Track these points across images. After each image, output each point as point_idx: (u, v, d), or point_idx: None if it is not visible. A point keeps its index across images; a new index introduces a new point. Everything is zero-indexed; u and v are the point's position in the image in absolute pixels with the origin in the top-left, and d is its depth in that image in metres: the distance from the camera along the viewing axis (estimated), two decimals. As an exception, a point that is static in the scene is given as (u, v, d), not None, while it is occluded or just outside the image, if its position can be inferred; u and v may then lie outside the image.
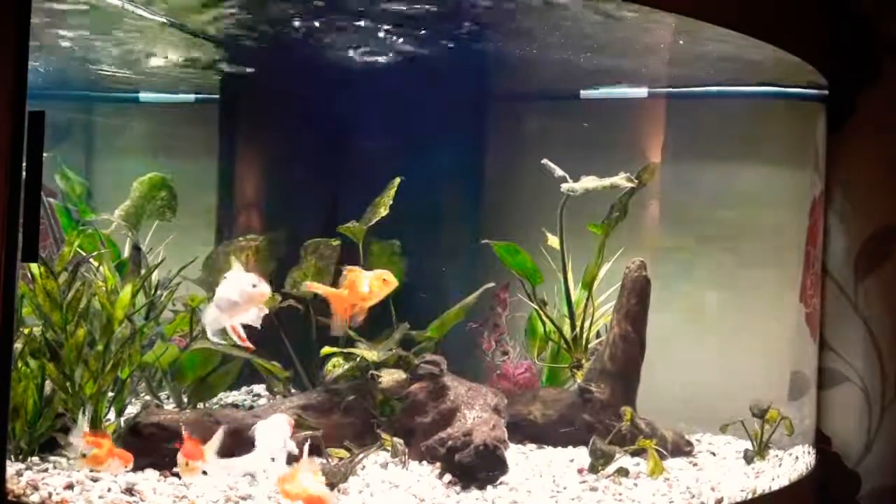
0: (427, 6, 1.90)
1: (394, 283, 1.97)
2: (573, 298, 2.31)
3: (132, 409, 2.04)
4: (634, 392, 2.18)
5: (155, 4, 1.93)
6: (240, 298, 1.81)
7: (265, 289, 1.82)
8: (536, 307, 2.31)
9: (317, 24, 2.03)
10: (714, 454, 2.23)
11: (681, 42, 2.16)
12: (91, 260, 1.95)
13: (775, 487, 2.04)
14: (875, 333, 2.43)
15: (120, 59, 2.32)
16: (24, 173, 1.47)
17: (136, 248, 2.17)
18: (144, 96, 2.54)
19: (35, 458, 1.83)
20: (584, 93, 2.45)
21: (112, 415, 1.95)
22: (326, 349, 2.07)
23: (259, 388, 2.36)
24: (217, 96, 2.48)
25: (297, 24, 2.04)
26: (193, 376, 2.14)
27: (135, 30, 2.08)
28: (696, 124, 2.34)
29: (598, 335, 2.30)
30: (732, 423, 2.21)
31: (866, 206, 2.43)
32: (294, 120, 2.30)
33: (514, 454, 2.06)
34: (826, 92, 2.39)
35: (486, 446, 1.82)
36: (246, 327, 1.83)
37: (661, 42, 2.19)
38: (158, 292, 2.03)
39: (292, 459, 1.72)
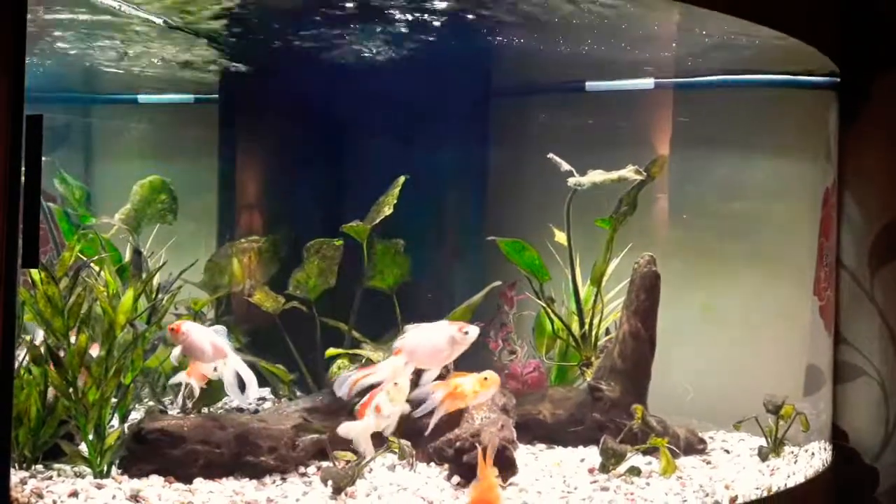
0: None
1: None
2: (581, 295, 2.28)
3: (136, 415, 2.03)
4: (645, 389, 2.15)
5: (152, 4, 1.91)
6: (448, 346, 1.81)
7: (475, 332, 1.82)
8: (544, 305, 2.29)
9: (318, 21, 2.00)
10: (728, 451, 2.20)
11: (688, 30, 2.12)
12: (92, 264, 1.93)
13: (791, 485, 2.02)
14: (892, 325, 2.38)
15: (118, 61, 2.30)
16: (22, 178, 1.45)
17: (136, 252, 2.16)
18: (143, 98, 2.52)
19: (39, 466, 1.82)
20: (589, 84, 2.41)
21: (116, 421, 1.94)
22: (331, 351, 2.05)
23: (264, 392, 2.33)
24: (216, 97, 2.46)
25: (298, 23, 2.01)
26: (196, 381, 2.12)
27: (133, 30, 2.06)
28: (704, 115, 2.30)
29: (607, 332, 2.28)
30: (746, 419, 2.18)
31: (881, 195, 2.38)
32: (297, 119, 2.28)
33: (524, 454, 2.04)
34: (838, 80, 2.35)
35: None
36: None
37: (668, 31, 2.15)
38: (160, 296, 2.01)
39: None
